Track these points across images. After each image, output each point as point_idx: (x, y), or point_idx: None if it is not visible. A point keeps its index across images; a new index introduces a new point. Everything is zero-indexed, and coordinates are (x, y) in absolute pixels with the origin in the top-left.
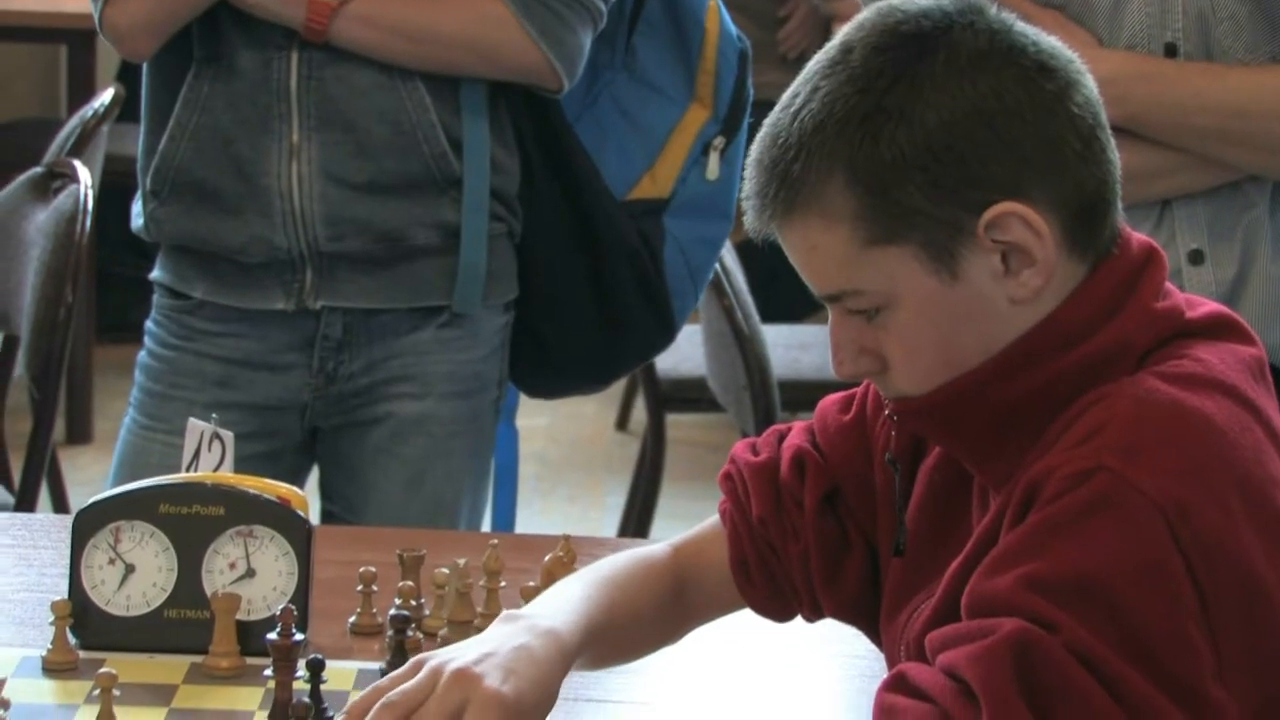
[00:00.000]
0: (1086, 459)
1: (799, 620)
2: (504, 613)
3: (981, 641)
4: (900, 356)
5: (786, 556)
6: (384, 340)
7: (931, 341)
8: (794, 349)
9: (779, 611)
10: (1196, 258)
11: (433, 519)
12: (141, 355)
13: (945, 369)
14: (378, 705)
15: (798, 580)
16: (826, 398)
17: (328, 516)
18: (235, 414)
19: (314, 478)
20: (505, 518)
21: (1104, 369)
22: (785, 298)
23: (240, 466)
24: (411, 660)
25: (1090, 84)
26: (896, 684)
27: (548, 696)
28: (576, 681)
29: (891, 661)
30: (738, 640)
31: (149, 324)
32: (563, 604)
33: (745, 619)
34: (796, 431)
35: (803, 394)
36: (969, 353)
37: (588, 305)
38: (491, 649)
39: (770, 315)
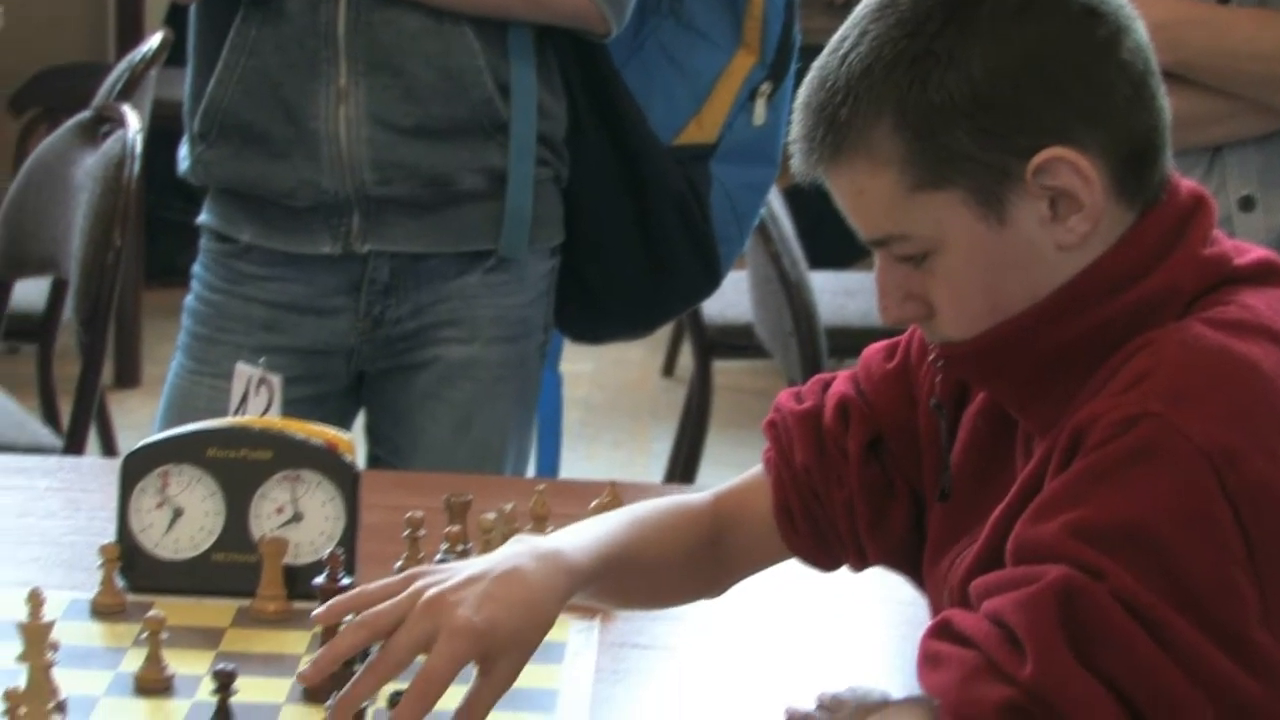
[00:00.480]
0: (1132, 405)
1: (844, 569)
2: (516, 536)
3: (1026, 588)
4: (946, 302)
5: (831, 504)
6: (431, 284)
7: (978, 287)
8: (841, 295)
9: (825, 559)
10: (1247, 204)
11: (479, 463)
12: (188, 299)
13: (991, 314)
14: (354, 621)
15: (842, 528)
16: (871, 345)
17: (374, 461)
18: (282, 358)
19: (360, 422)
20: (549, 463)
21: (1150, 315)
22: (832, 244)
23: (287, 410)
24: (406, 573)
25: (1141, 29)
26: (941, 631)
27: (536, 622)
28: (623, 627)
29: (935, 607)
30: (783, 589)
31: (196, 268)
32: (581, 532)
33: (790, 568)
34: (841, 379)
35: (849, 340)
36: (1015, 298)
37: (634, 250)
38: (480, 572)
39: (817, 261)
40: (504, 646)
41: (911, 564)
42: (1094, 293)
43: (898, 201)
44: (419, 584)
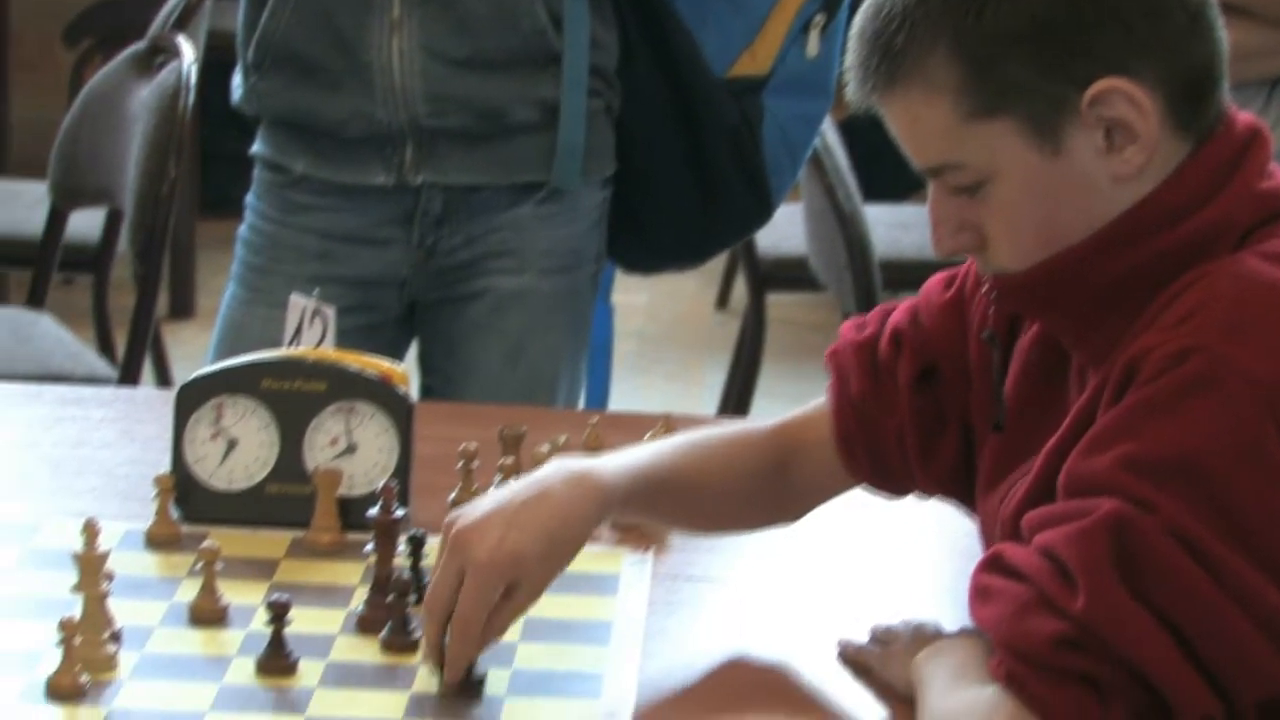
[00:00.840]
0: (1185, 338)
1: (896, 502)
2: (555, 458)
3: (1078, 522)
4: (1000, 232)
5: (884, 431)
6: (483, 215)
7: (1032, 217)
8: (895, 228)
9: (887, 486)
10: None
11: (530, 394)
12: (242, 229)
13: (1045, 246)
14: (424, 613)
15: (895, 456)
16: (934, 275)
17: (427, 391)
18: (335, 288)
19: (413, 353)
20: (599, 395)
21: (1205, 248)
22: (887, 176)
23: (341, 340)
24: (445, 524)
25: None
26: (992, 565)
27: (562, 545)
28: (676, 559)
29: (987, 539)
30: (837, 522)
31: (249, 198)
32: (623, 454)
33: (844, 500)
34: (901, 309)
35: (904, 273)
36: (1069, 229)
37: (686, 182)
38: (508, 500)
39: (872, 194)
40: (529, 572)
41: (963, 493)
42: (1148, 225)
43: (952, 130)
44: (450, 517)
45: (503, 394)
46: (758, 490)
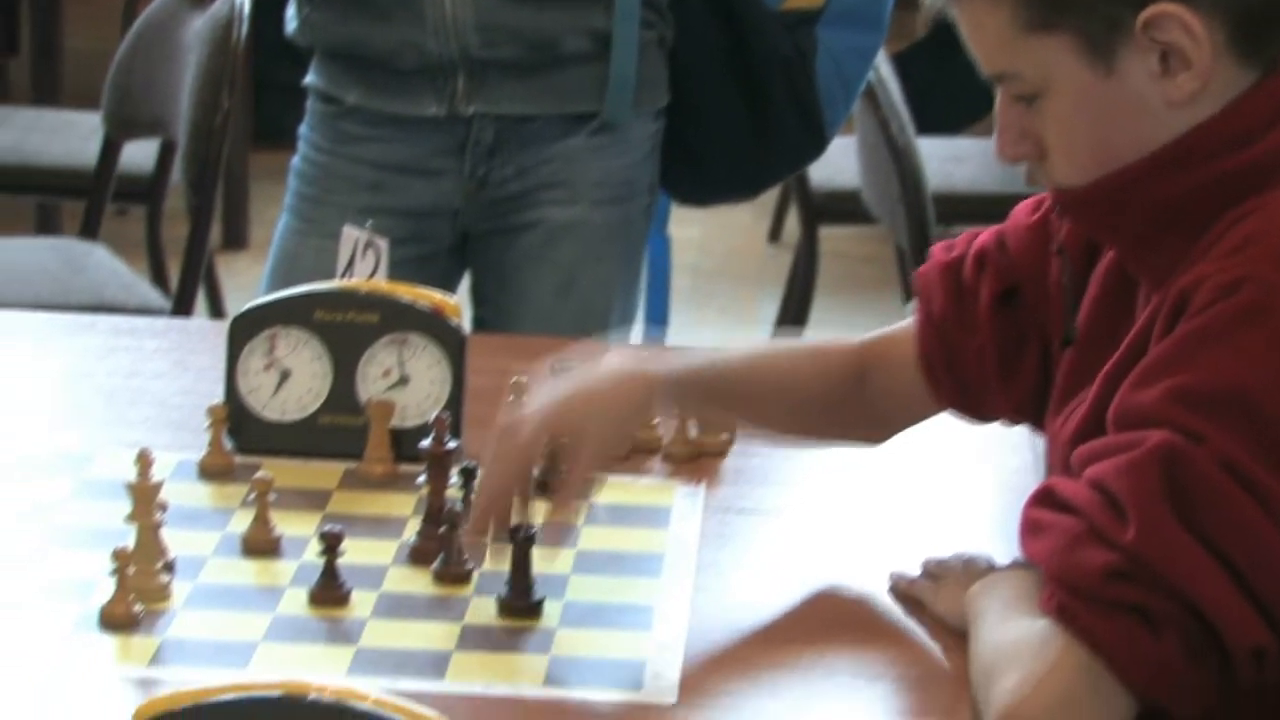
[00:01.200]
0: (1238, 268)
1: (949, 436)
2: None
3: (1129, 454)
4: (1056, 146)
5: (965, 351)
6: (535, 146)
7: (1086, 134)
8: (949, 161)
9: (968, 409)
10: None
11: (583, 325)
12: (295, 160)
13: (1099, 164)
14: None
15: (975, 376)
16: (1023, 201)
17: (479, 323)
18: (388, 219)
19: (465, 285)
20: (659, 326)
21: (1263, 178)
22: (940, 109)
23: (393, 272)
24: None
25: None
26: (1043, 498)
27: (606, 437)
28: (727, 492)
29: (1050, 462)
30: (888, 455)
31: (302, 129)
32: (686, 352)
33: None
34: (988, 232)
35: (957, 206)
36: (1124, 149)
37: (739, 114)
38: (553, 396)
39: (925, 127)
40: (577, 429)
41: (1041, 418)
42: (1203, 151)
43: (1011, 40)
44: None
45: (555, 325)
46: (838, 400)
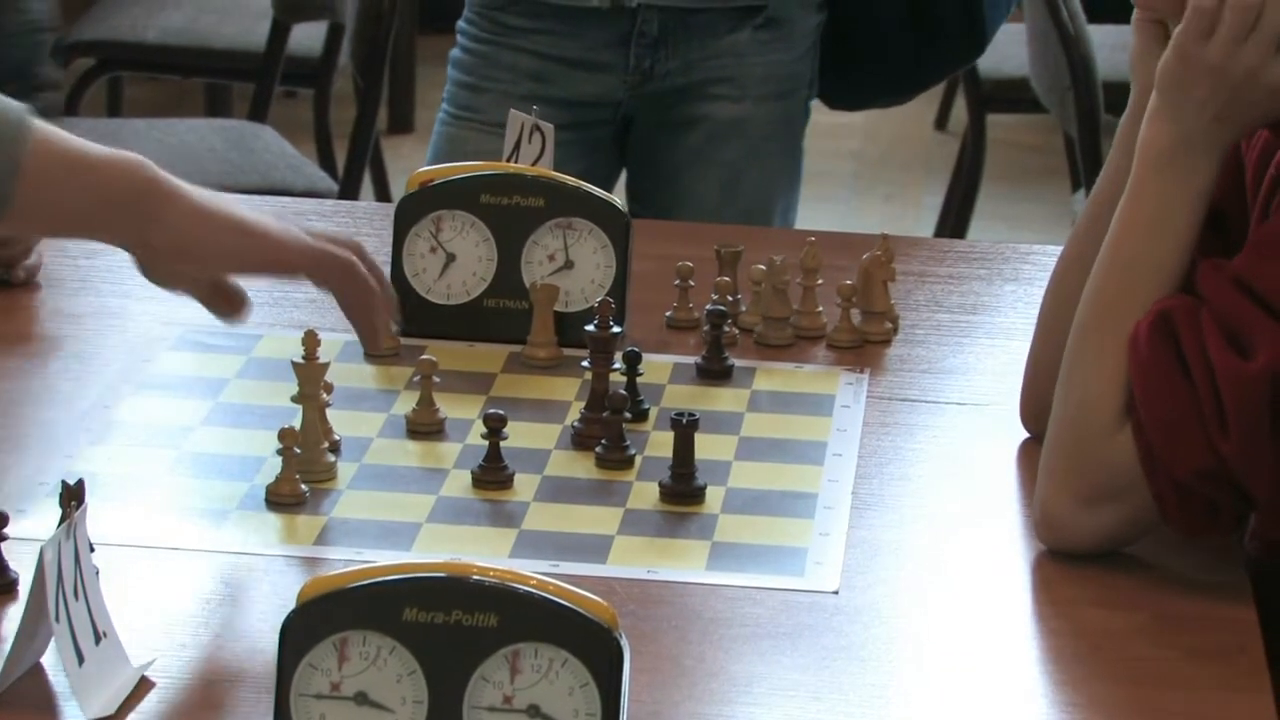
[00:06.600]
0: None
1: None
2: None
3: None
4: None
5: None
6: (700, 40)
7: None
8: (1119, 50)
9: None
10: None
11: (746, 224)
12: (454, 52)
13: None
14: None
15: None
16: None
17: None
18: (550, 109)
19: (621, 186)
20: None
21: None
22: None
23: (555, 160)
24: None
25: None
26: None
27: None
28: (891, 380)
29: None
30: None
31: (461, 24)
32: None
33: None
34: None
35: (1126, 95)
36: None
37: (900, 12)
38: None
39: (1096, 15)
40: None
41: None
42: None
43: None
44: None
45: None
46: None
